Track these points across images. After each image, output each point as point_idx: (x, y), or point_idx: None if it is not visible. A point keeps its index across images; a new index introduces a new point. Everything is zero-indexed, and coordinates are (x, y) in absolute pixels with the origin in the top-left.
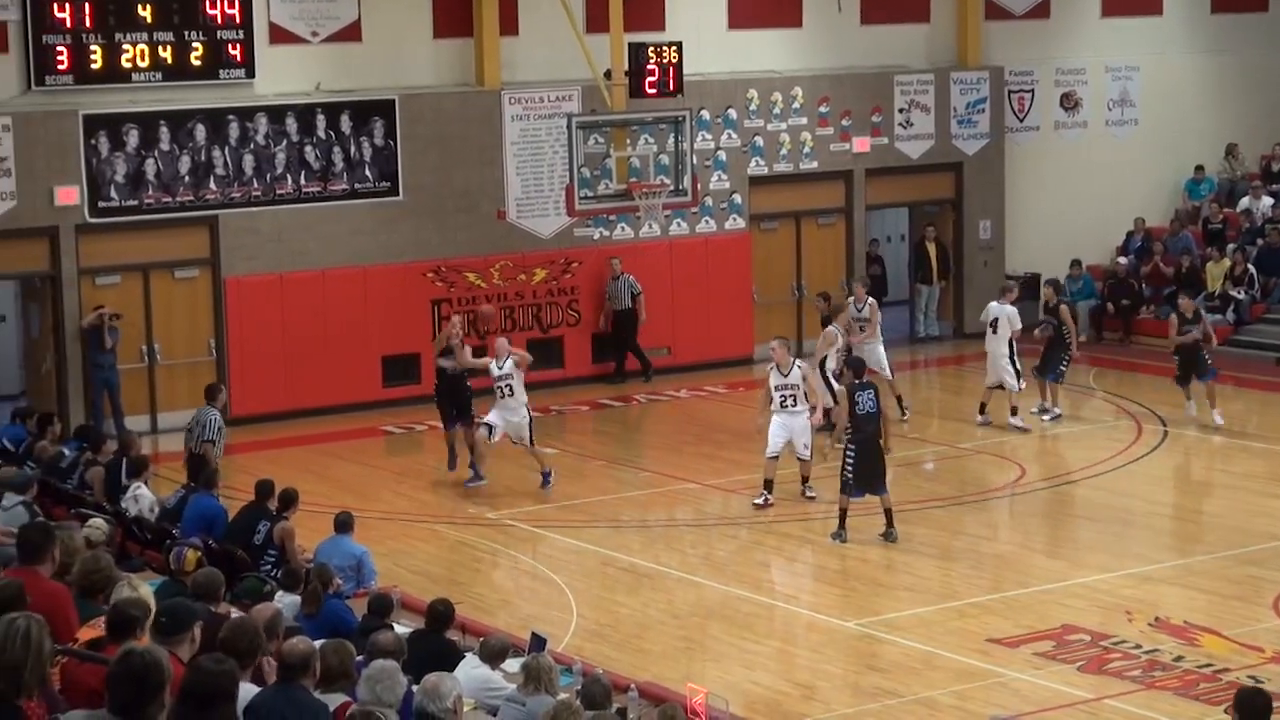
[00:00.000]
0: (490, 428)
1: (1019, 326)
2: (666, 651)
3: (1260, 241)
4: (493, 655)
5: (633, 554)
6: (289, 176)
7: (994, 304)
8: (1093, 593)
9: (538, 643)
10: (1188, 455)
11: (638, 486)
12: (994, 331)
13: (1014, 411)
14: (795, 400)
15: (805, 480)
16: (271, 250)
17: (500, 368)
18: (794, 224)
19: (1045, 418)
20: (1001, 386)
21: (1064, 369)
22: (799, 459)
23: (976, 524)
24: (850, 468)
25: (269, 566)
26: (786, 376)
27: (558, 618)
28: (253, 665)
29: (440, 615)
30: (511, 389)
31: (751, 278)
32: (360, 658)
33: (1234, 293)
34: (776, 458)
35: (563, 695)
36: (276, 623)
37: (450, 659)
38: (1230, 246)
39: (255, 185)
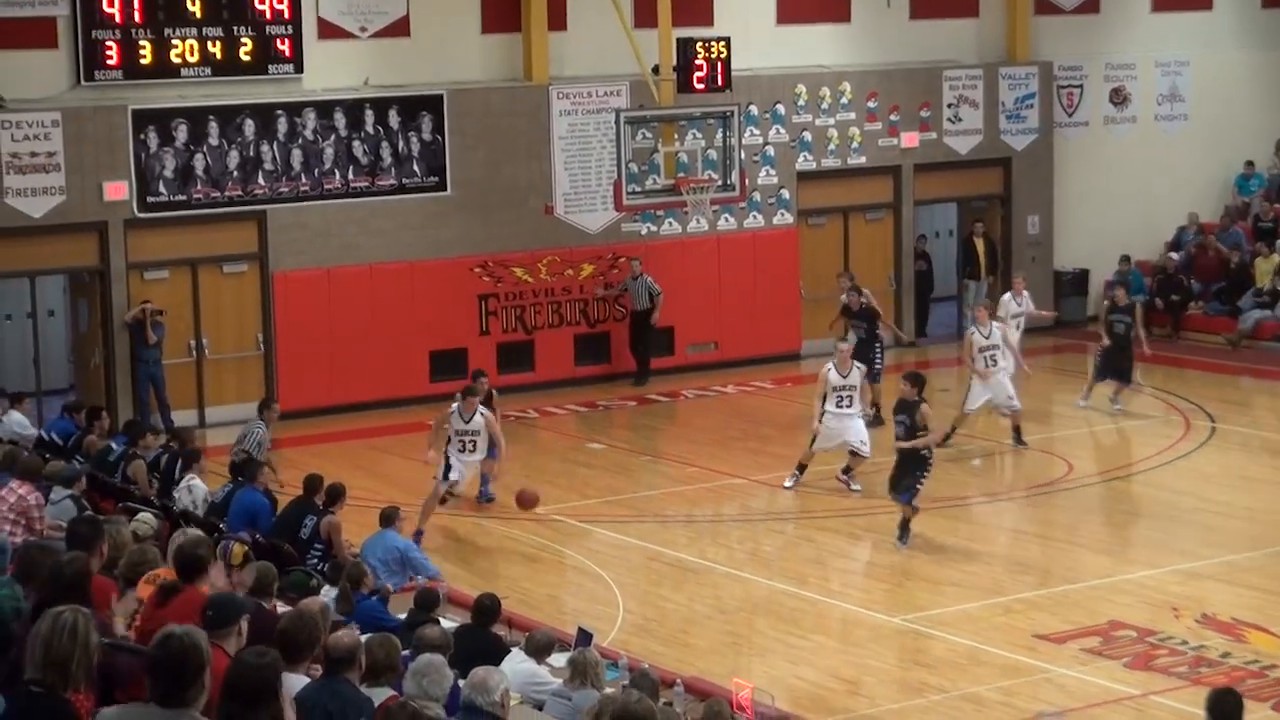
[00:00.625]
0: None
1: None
2: (713, 646)
3: None
4: (538, 649)
5: (679, 549)
6: (337, 171)
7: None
8: (1140, 589)
9: (584, 637)
10: (1235, 451)
11: (684, 481)
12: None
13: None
14: (851, 401)
15: (849, 471)
16: (319, 245)
17: (467, 421)
18: (842, 219)
19: (1115, 407)
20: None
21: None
22: (855, 454)
23: (1023, 520)
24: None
25: (315, 560)
26: (845, 378)
27: (604, 612)
28: (310, 657)
29: (487, 610)
30: (475, 445)
31: (799, 273)
32: (406, 652)
33: None
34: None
35: (609, 690)
36: (325, 616)
37: (496, 654)
38: (1279, 242)
39: (303, 180)
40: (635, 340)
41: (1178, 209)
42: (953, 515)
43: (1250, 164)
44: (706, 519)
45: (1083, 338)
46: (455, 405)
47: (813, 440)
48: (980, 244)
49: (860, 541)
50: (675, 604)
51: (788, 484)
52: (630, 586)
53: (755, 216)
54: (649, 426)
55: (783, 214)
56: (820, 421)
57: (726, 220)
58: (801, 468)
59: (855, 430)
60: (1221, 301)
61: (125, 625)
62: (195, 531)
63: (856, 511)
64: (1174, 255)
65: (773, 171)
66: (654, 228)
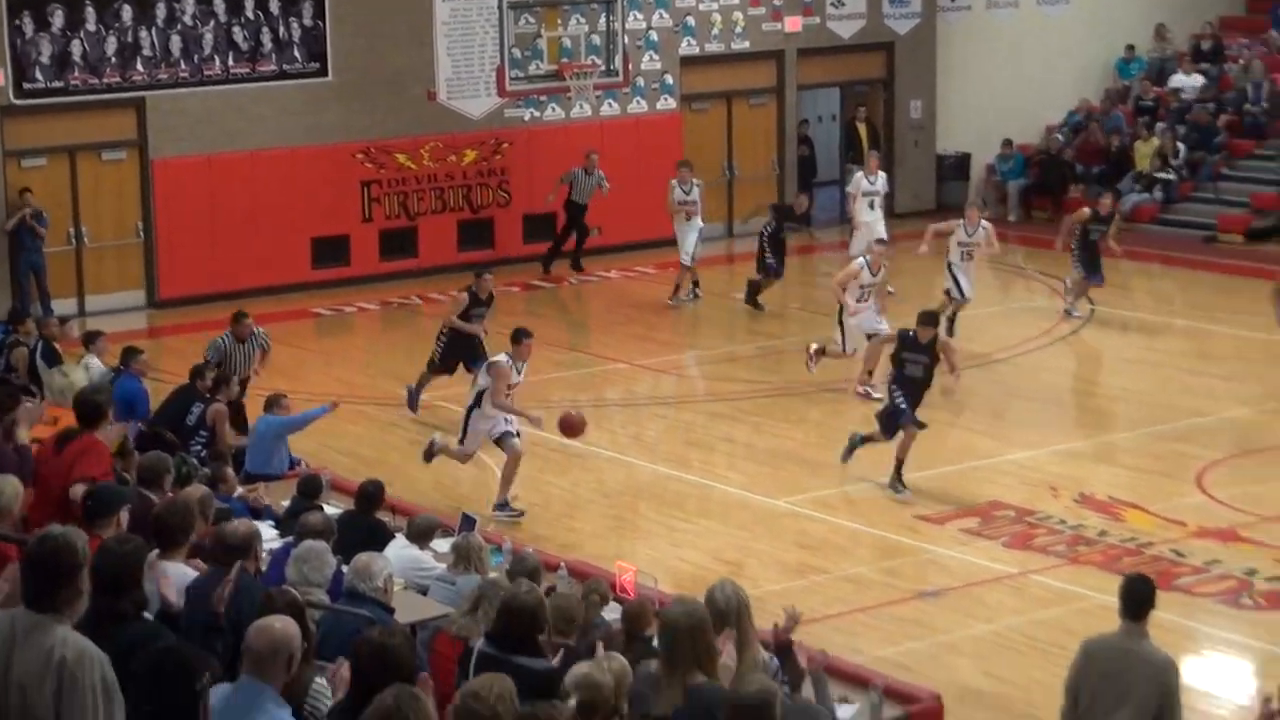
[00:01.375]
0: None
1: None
2: (596, 531)
3: (1188, 119)
4: (420, 534)
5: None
6: (216, 57)
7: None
8: (1019, 469)
9: (468, 523)
10: (1113, 334)
11: (568, 367)
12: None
13: None
14: (871, 297)
15: (824, 352)
16: (199, 132)
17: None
18: (725, 104)
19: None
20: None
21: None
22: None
23: None
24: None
25: (199, 448)
26: (876, 277)
27: (488, 497)
28: (185, 544)
29: (370, 496)
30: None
31: (683, 158)
32: (289, 539)
33: (1161, 174)
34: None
35: (492, 574)
36: (207, 504)
37: (380, 540)
38: (1159, 125)
39: (183, 66)
40: (572, 229)
41: (1059, 93)
42: (837, 399)
43: (1131, 48)
44: (591, 404)
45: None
46: (505, 358)
47: (843, 336)
48: (863, 129)
49: (742, 425)
50: (559, 489)
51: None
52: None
53: (639, 102)
54: (533, 312)
55: (666, 99)
56: (847, 318)
57: (610, 106)
58: (821, 351)
59: (872, 319)
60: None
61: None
62: (97, 379)
63: (741, 395)
64: (1059, 137)
65: (656, 56)
66: (537, 113)
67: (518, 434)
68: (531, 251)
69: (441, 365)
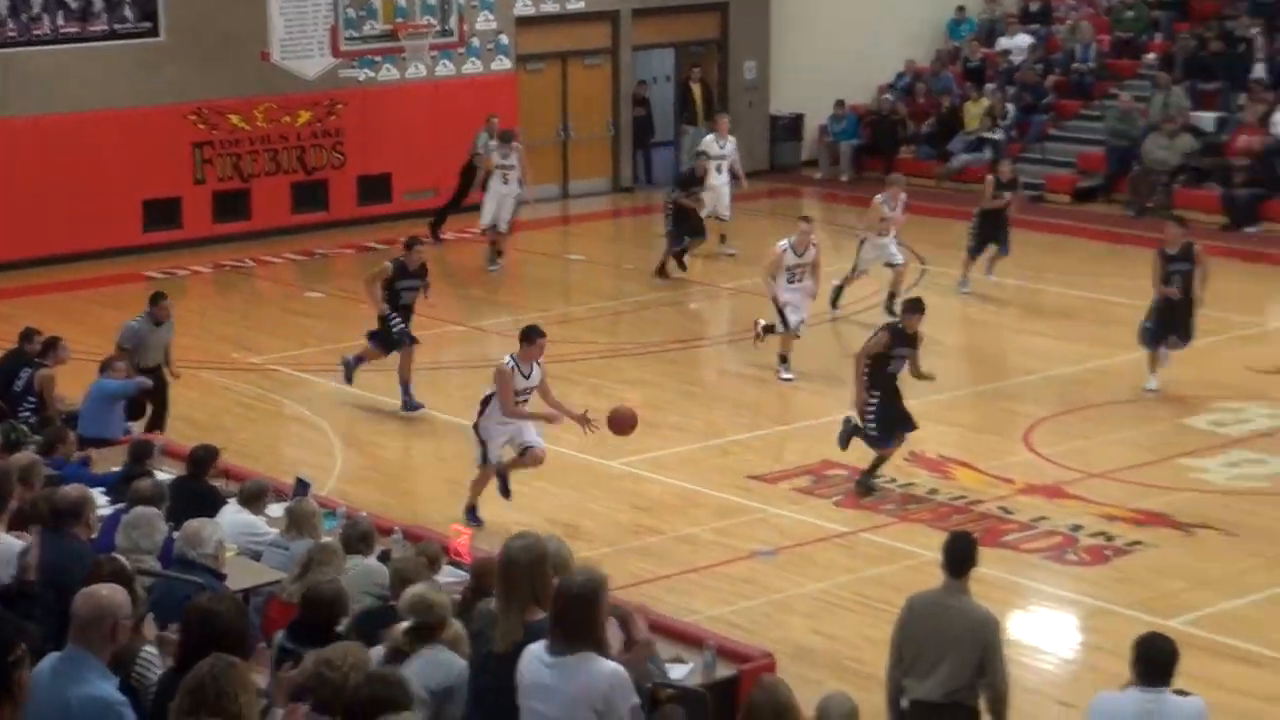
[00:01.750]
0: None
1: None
2: (431, 494)
3: (1017, 79)
4: (250, 498)
5: (398, 397)
6: (46, 17)
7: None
8: None
9: (301, 487)
10: (944, 293)
11: None
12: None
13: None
14: (803, 277)
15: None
16: (28, 93)
17: (527, 376)
18: (560, 65)
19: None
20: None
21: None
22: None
23: (740, 362)
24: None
25: (28, 414)
26: (801, 257)
27: (322, 462)
28: (4, 511)
29: (201, 460)
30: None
31: (518, 119)
32: (121, 505)
33: (990, 134)
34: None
35: (325, 539)
36: (31, 471)
37: (212, 505)
38: (989, 86)
39: (10, 26)
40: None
41: (890, 54)
42: (670, 359)
43: (961, 9)
44: (427, 366)
45: (797, 182)
46: (509, 360)
47: (783, 322)
48: (697, 89)
49: (579, 386)
50: (394, 452)
51: (788, 376)
52: (349, 435)
53: (474, 62)
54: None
55: (501, 59)
56: (780, 298)
57: (445, 66)
58: (769, 329)
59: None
60: (932, 145)
61: None
62: None
63: (577, 357)
64: (889, 97)
65: (491, 16)
66: (372, 74)
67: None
68: (366, 213)
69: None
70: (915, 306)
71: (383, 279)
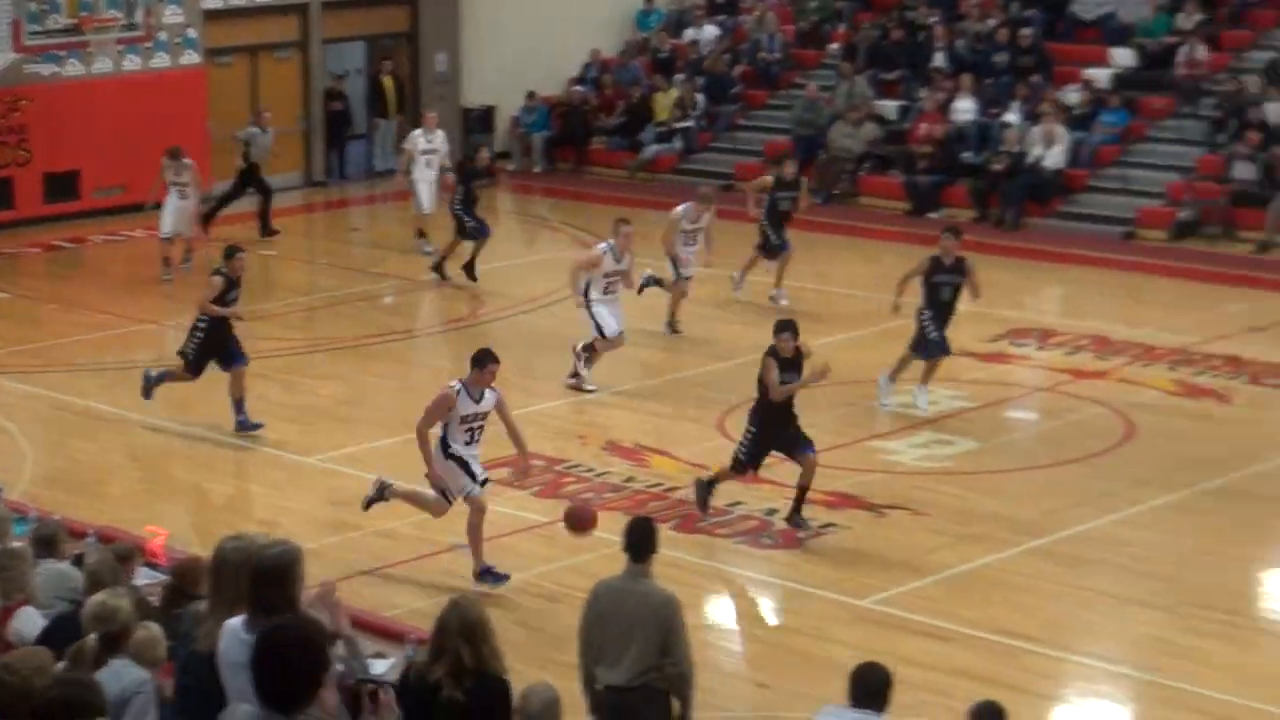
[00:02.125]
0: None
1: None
2: (127, 495)
3: (705, 70)
4: None
5: (89, 398)
6: None
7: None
8: (547, 419)
9: None
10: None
11: (94, 329)
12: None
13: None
14: (617, 287)
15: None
16: None
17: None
18: (250, 58)
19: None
20: None
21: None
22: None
23: (436, 356)
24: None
25: None
26: (619, 263)
27: (11, 465)
28: None
29: None
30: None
31: (207, 113)
32: None
33: (680, 124)
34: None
35: (16, 544)
36: None
37: None
38: (678, 76)
39: None
40: (239, 192)
41: (580, 45)
42: (365, 354)
43: (650, 0)
44: (118, 366)
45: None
46: (456, 384)
47: (600, 333)
48: (389, 82)
49: (274, 383)
50: (87, 454)
51: (591, 388)
52: (39, 438)
53: (161, 56)
54: (56, 274)
55: (190, 53)
56: (589, 307)
57: (131, 60)
58: (589, 346)
59: (620, 315)
60: (623, 135)
61: None
62: None
63: (272, 353)
64: (580, 88)
65: (179, 10)
66: (57, 69)
67: (483, 483)
68: (53, 211)
69: (195, 364)
70: (788, 329)
71: (214, 295)
